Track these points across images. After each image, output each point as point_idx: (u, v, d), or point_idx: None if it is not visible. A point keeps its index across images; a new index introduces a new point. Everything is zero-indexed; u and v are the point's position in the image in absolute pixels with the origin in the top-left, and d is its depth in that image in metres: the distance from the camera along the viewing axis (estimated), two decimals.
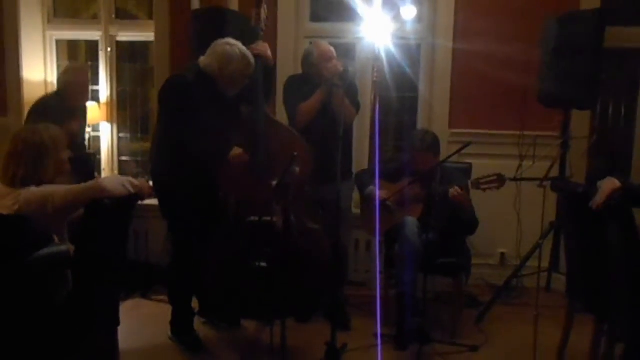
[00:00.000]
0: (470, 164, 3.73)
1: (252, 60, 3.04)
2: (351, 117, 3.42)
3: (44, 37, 4.45)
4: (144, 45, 4.49)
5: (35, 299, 2.12)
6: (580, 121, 3.92)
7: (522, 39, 3.85)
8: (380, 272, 3.50)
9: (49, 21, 4.46)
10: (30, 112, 3.76)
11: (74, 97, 3.82)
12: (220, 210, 3.13)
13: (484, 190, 3.20)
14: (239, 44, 3.03)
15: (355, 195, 3.69)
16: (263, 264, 2.86)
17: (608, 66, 3.86)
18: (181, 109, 2.90)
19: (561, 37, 3.48)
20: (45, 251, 2.12)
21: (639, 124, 4.15)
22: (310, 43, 3.70)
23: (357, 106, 3.48)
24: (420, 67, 4.20)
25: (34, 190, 2.21)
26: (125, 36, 4.45)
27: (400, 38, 3.99)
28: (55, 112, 3.54)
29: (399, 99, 4.31)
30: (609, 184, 2.34)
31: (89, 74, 4.02)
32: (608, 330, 2.52)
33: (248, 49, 3.06)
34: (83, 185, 2.26)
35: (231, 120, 3.10)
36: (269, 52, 3.21)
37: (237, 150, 2.96)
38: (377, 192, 3.31)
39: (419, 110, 4.28)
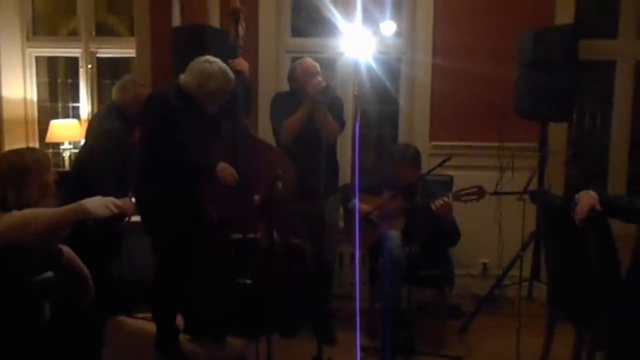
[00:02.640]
0: (451, 176, 3.76)
1: (232, 76, 3.05)
2: (334, 134, 3.43)
3: (23, 54, 4.43)
4: (125, 61, 4.47)
5: (18, 323, 2.09)
6: (558, 132, 3.98)
7: (499, 53, 3.91)
8: (364, 284, 3.53)
9: (27, 38, 4.44)
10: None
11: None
12: (203, 227, 3.09)
13: (465, 202, 3.22)
14: (218, 61, 3.04)
15: (341, 209, 3.67)
16: (247, 281, 2.85)
17: (583, 78, 3.92)
18: (162, 126, 2.92)
19: (537, 51, 3.52)
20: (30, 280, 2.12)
21: (614, 135, 4.23)
22: (293, 60, 3.70)
23: (341, 123, 3.49)
24: (400, 81, 4.25)
25: (15, 214, 2.19)
26: (105, 52, 4.44)
27: (381, 52, 4.06)
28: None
29: (380, 112, 4.35)
30: (587, 198, 2.37)
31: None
32: (589, 338, 2.53)
33: (227, 65, 3.07)
34: (65, 207, 2.23)
35: (212, 136, 3.09)
36: (246, 67, 3.22)
37: (222, 165, 2.95)
38: (357, 206, 3.32)
39: (399, 123, 4.32)
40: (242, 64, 3.19)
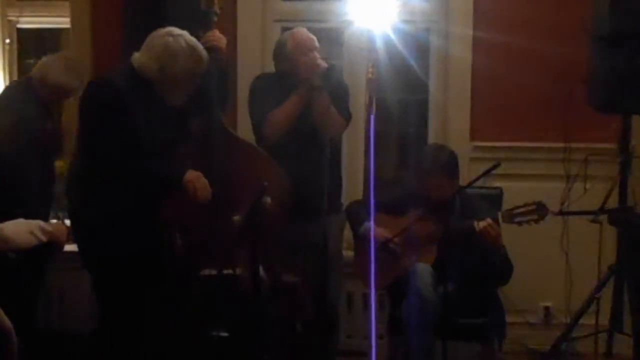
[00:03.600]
0: (499, 189, 3.75)
1: (204, 54, 3.08)
2: (338, 130, 3.50)
3: None
4: (56, 34, 4.50)
5: None
6: None
7: (565, 24, 3.89)
8: (382, 337, 3.51)
9: None
10: None
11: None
12: (164, 259, 3.09)
13: (520, 224, 3.23)
14: (185, 34, 3.06)
15: (348, 234, 3.71)
16: (223, 334, 2.87)
17: None
18: (109, 124, 2.94)
19: (616, 21, 3.44)
20: None
21: None
22: (285, 31, 3.74)
23: (346, 115, 3.51)
24: (430, 59, 4.22)
25: None
26: (29, 22, 4.44)
27: (404, 21, 3.94)
28: None
29: (403, 102, 4.33)
30: None
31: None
32: None
33: (198, 39, 3.10)
34: None
35: (177, 136, 3.12)
36: (223, 42, 3.25)
37: (193, 174, 2.97)
38: (372, 230, 3.26)
39: (429, 117, 4.29)
40: (218, 38, 3.22)
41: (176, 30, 3.07)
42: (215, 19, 3.25)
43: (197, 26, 3.19)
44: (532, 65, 4.01)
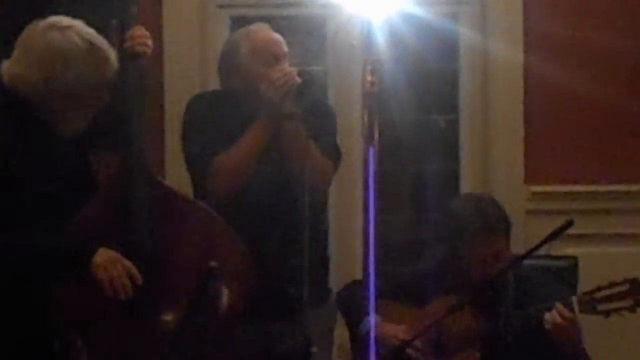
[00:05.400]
0: (574, 258, 3.60)
1: (111, 55, 2.90)
2: (323, 177, 3.31)
3: None
4: None
5: None
6: None
7: None
8: None
9: None
10: None
11: None
12: None
13: (607, 314, 3.07)
14: (79, 26, 2.89)
15: (342, 333, 3.54)
16: None
17: None
18: None
19: None
20: None
21: None
22: (236, 26, 3.69)
23: (334, 153, 3.36)
24: (460, 62, 4.08)
25: None
26: None
27: (420, 4, 3.64)
28: None
29: (421, 128, 4.17)
30: None
31: None
32: None
33: (107, 39, 2.94)
34: None
35: (75, 188, 2.95)
36: (149, 44, 3.11)
37: (106, 255, 2.82)
38: (372, 326, 3.14)
39: (461, 149, 4.12)
40: (141, 37, 3.09)
41: (64, 21, 2.91)
42: (136, 9, 3.13)
43: (106, 16, 3.14)
44: (610, 79, 3.94)
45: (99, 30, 2.97)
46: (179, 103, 3.52)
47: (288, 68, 3.22)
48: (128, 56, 3.02)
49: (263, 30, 3.32)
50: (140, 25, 3.14)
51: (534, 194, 3.98)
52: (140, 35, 3.11)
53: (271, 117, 3.19)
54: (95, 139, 3.05)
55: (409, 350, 3.24)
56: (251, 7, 3.96)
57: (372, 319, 3.15)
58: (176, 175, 3.56)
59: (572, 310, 3.11)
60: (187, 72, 3.96)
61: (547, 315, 3.07)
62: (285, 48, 3.28)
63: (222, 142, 3.20)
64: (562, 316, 3.06)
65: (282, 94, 3.16)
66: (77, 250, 2.87)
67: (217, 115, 3.30)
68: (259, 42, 3.29)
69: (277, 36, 3.30)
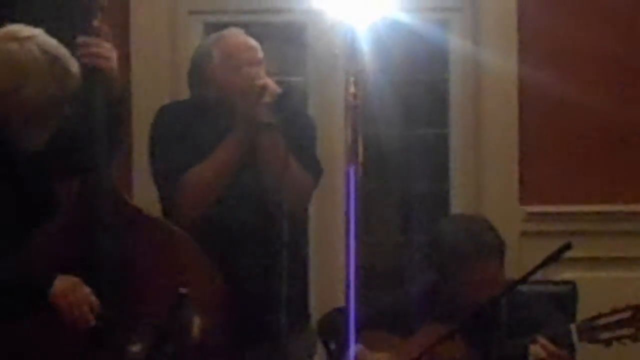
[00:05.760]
0: (572, 283, 3.60)
1: (75, 69, 2.90)
2: (302, 194, 3.32)
3: None
4: None
5: None
6: None
7: None
8: None
9: None
10: None
11: None
12: None
13: (608, 343, 3.06)
14: (39, 36, 2.91)
15: None
16: None
17: None
18: None
19: None
20: None
21: None
22: (209, 31, 3.70)
23: (314, 169, 3.35)
24: (450, 73, 4.12)
25: None
26: None
27: (407, 11, 3.77)
28: None
29: (408, 143, 4.18)
30: None
31: None
32: None
33: (68, 46, 2.96)
34: None
35: (35, 209, 2.97)
36: (109, 56, 3.04)
37: (66, 282, 2.83)
38: (352, 357, 3.20)
39: (451, 167, 4.14)
40: (102, 50, 3.02)
41: (24, 31, 2.92)
42: (100, 14, 3.07)
43: (67, 23, 3.19)
44: (611, 90, 3.98)
45: (60, 40, 2.99)
46: (147, 115, 3.50)
47: (264, 76, 3.25)
48: (86, 67, 3.05)
49: (236, 36, 3.34)
50: (106, 33, 3.13)
51: (530, 214, 4.00)
52: (98, 46, 3.10)
53: (246, 128, 3.20)
54: (57, 155, 3.10)
55: None
56: (225, 13, 3.99)
57: (352, 348, 3.21)
58: (144, 193, 3.56)
59: (570, 339, 3.17)
60: (156, 83, 3.96)
61: (532, 348, 3.10)
62: (261, 54, 3.28)
63: (194, 156, 3.21)
64: (545, 350, 3.11)
65: (257, 105, 3.17)
66: (32, 276, 2.91)
67: (188, 128, 3.30)
68: (232, 47, 3.30)
69: (252, 41, 3.31)
